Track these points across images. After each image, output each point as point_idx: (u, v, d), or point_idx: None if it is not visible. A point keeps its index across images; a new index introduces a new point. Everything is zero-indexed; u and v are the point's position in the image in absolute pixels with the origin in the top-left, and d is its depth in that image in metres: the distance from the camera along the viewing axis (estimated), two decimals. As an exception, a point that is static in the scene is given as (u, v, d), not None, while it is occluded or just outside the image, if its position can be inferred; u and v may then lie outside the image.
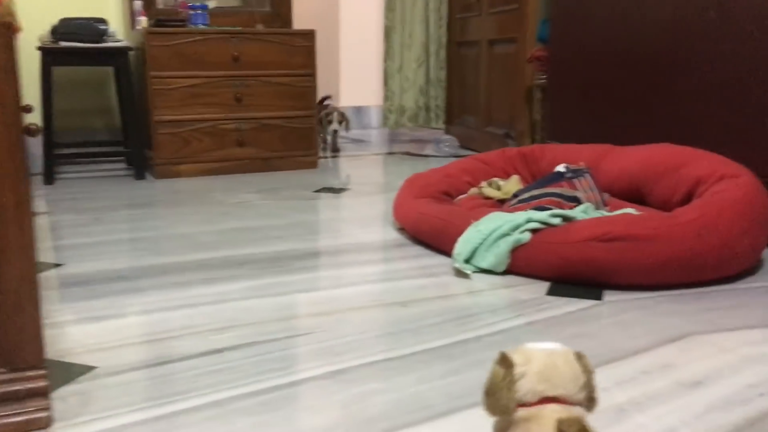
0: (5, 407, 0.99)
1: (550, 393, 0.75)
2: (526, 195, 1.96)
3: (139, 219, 2.39)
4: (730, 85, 2.07)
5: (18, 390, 1.00)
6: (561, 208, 1.85)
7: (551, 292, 1.62)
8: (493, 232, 1.74)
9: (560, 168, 2.03)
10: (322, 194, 2.83)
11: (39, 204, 2.65)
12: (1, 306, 0.97)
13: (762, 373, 1.19)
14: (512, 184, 2.21)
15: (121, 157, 3.70)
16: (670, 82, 2.31)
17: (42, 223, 2.34)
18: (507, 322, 1.43)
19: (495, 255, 1.72)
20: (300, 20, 4.38)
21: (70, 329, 1.41)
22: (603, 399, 1.10)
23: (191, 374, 1.20)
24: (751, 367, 1.21)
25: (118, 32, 3.47)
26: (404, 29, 4.66)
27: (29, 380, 1.00)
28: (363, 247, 2.02)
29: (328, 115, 3.84)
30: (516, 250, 1.71)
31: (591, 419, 0.97)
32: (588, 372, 0.77)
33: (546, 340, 0.81)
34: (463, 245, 1.77)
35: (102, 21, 3.11)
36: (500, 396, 0.75)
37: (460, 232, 1.80)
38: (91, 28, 3.04)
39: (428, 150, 4.05)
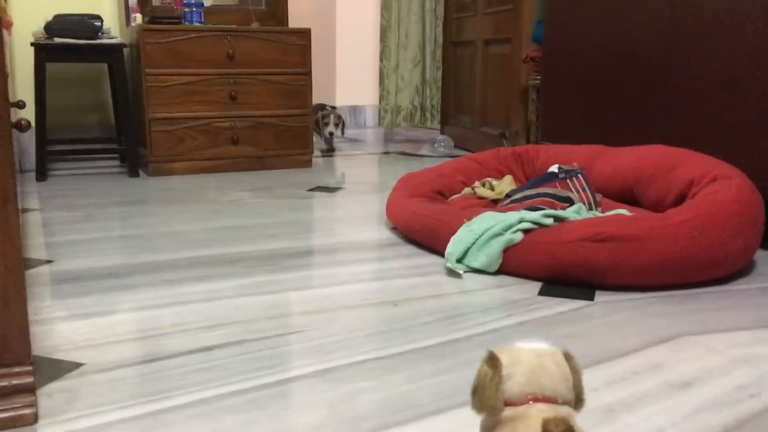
0: (-10, 403, 0.99)
1: (539, 395, 0.74)
2: (519, 195, 1.96)
3: (132, 216, 2.39)
4: (723, 87, 2.07)
5: (4, 386, 0.99)
6: (554, 208, 1.85)
7: (543, 293, 1.62)
8: (485, 231, 1.74)
9: (553, 168, 2.03)
10: (316, 193, 2.82)
11: (31, 201, 2.64)
12: (-14, 301, 0.97)
13: (751, 375, 1.19)
14: (505, 184, 2.21)
15: (115, 155, 3.69)
16: (663, 83, 2.31)
17: (34, 220, 2.33)
18: (498, 322, 1.43)
19: (487, 255, 1.72)
20: (296, 19, 4.38)
21: (59, 326, 1.40)
22: (592, 399, 1.10)
23: (180, 372, 1.19)
24: (741, 369, 1.21)
25: (113, 29, 3.46)
26: (400, 29, 4.66)
27: (15, 376, 0.99)
28: (355, 245, 2.02)
29: (324, 117, 3.84)
30: (508, 250, 1.71)
31: (580, 419, 0.97)
32: (577, 373, 0.77)
33: (536, 340, 0.81)
34: (455, 245, 1.77)
35: (96, 17, 3.10)
36: (487, 395, 0.74)
37: (452, 232, 1.80)
38: (86, 25, 3.04)
39: (423, 150, 4.05)
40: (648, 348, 1.30)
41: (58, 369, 1.20)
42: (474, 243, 1.74)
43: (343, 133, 3.94)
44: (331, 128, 3.81)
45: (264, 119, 3.33)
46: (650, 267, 1.60)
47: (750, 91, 1.98)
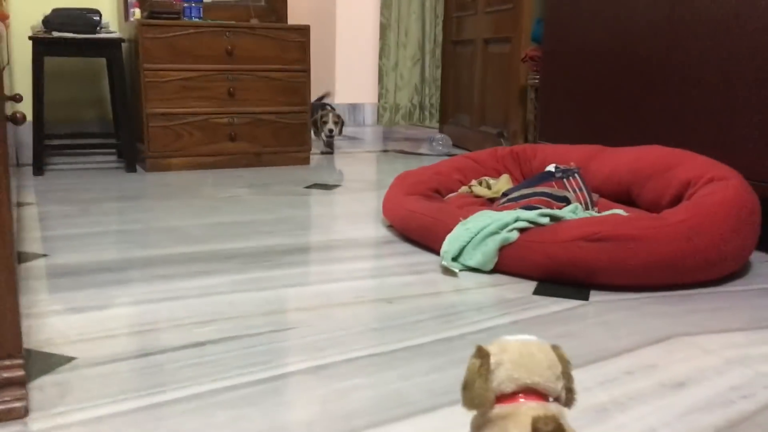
0: (-19, 396, 0.98)
1: (527, 380, 0.74)
2: (515, 194, 1.95)
3: (128, 211, 2.38)
4: (721, 88, 2.07)
5: (-6, 379, 0.99)
6: (550, 207, 1.84)
7: (538, 292, 1.61)
8: (481, 230, 1.73)
9: (550, 168, 2.03)
10: (314, 190, 2.82)
11: (28, 195, 2.64)
12: (-22, 294, 0.96)
13: (745, 376, 1.19)
14: (502, 183, 2.21)
15: (113, 150, 3.69)
16: (662, 84, 2.30)
17: (30, 214, 2.32)
18: (492, 321, 1.43)
19: (483, 253, 1.72)
20: (296, 16, 4.37)
21: (52, 320, 1.40)
22: (585, 398, 1.09)
23: (172, 367, 1.19)
24: (735, 370, 1.21)
25: (112, 23, 3.46)
26: (400, 27, 4.65)
27: (6, 369, 0.99)
28: (351, 243, 2.02)
29: (323, 116, 3.82)
30: (504, 248, 1.71)
31: (572, 418, 0.97)
32: (564, 361, 0.77)
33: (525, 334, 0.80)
34: (450, 243, 1.76)
35: (95, 12, 3.09)
36: (477, 386, 0.74)
37: (448, 230, 1.80)
38: (84, 19, 3.03)
39: (422, 148, 4.05)
40: (642, 348, 1.30)
41: (50, 363, 1.20)
42: (470, 241, 1.74)
43: (340, 132, 3.93)
44: (330, 125, 3.79)
45: (262, 116, 3.33)
46: (646, 267, 1.60)
47: (748, 92, 1.98)
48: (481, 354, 0.76)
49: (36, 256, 1.84)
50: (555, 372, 0.76)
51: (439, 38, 4.61)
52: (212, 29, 3.17)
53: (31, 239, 2.01)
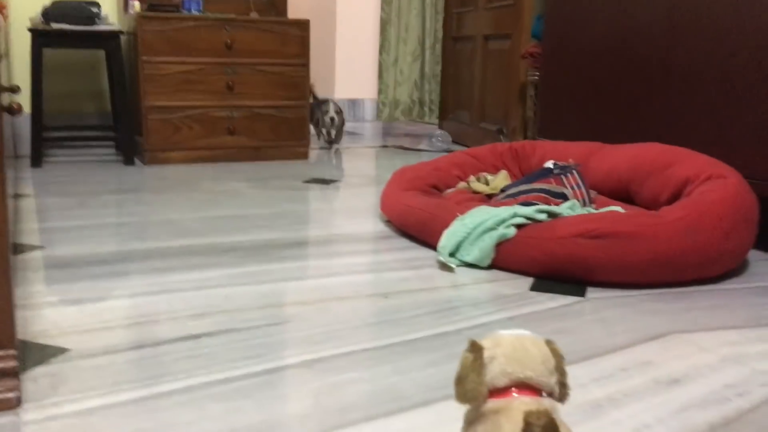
0: (-26, 387, 0.98)
1: (520, 374, 0.74)
2: (513, 190, 1.95)
3: (126, 204, 2.38)
4: (720, 86, 2.06)
5: (-13, 370, 0.98)
6: (548, 204, 1.84)
7: (534, 288, 1.61)
8: (478, 226, 1.73)
9: (548, 164, 2.02)
10: (312, 185, 2.81)
11: (25, 186, 2.63)
12: (-29, 284, 0.96)
13: (740, 374, 1.18)
14: (500, 179, 2.21)
15: (111, 142, 3.68)
16: (661, 81, 2.30)
17: (27, 206, 2.32)
18: (488, 316, 1.43)
19: (480, 249, 1.71)
20: (296, 11, 4.36)
21: (47, 311, 1.39)
22: (580, 394, 1.09)
23: (166, 359, 1.19)
24: (730, 367, 1.21)
25: (111, 15, 3.45)
26: (400, 23, 4.64)
27: (-1, 360, 0.99)
28: (349, 238, 2.01)
29: (324, 104, 3.77)
30: (501, 244, 1.70)
31: (566, 413, 0.96)
32: (557, 356, 0.77)
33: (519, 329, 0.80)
34: (448, 239, 1.76)
35: (94, 4, 3.08)
36: (470, 380, 0.74)
37: (445, 226, 1.80)
38: (83, 11, 3.02)
39: (421, 144, 4.04)
40: (638, 345, 1.30)
41: (43, 354, 1.19)
42: (467, 237, 1.74)
43: (342, 125, 3.86)
44: (332, 114, 3.70)
45: (261, 110, 3.32)
46: (642, 264, 1.59)
47: (748, 91, 1.97)
48: (475, 348, 0.76)
49: (33, 247, 1.84)
50: (548, 366, 0.75)
51: (440, 34, 4.61)
52: (212, 22, 3.16)
53: (28, 231, 2.00)
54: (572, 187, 1.92)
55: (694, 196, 1.75)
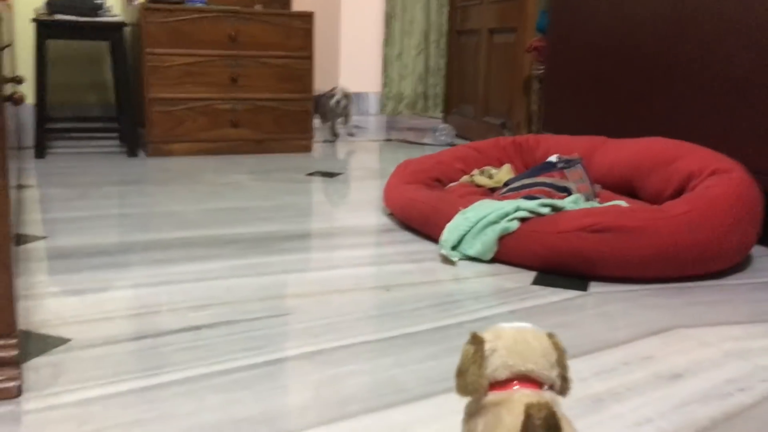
0: (-26, 376, 0.98)
1: (521, 367, 0.73)
2: (517, 184, 1.94)
3: (128, 195, 2.38)
4: (725, 80, 2.05)
5: (-13, 359, 0.98)
6: (551, 197, 1.83)
7: (537, 282, 1.61)
8: (480, 219, 1.72)
9: (552, 158, 2.01)
10: (315, 178, 2.81)
11: (29, 177, 2.63)
12: (-29, 273, 0.96)
13: (742, 369, 1.18)
14: (504, 173, 2.20)
15: (114, 134, 3.68)
16: (666, 76, 2.29)
17: (30, 196, 2.32)
18: (490, 310, 1.42)
19: (482, 243, 1.71)
20: (300, 4, 4.35)
21: (48, 301, 1.39)
22: (581, 388, 1.09)
23: (166, 350, 1.18)
24: (732, 363, 1.20)
25: (115, 7, 3.44)
26: (405, 16, 4.63)
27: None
28: (351, 230, 2.01)
29: (331, 90, 3.71)
30: (503, 238, 1.70)
31: (567, 407, 0.96)
32: (559, 349, 0.76)
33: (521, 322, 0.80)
34: (450, 232, 1.75)
35: (98, -5, 3.08)
36: (471, 372, 0.74)
37: (448, 219, 1.79)
38: (87, 2, 3.02)
39: (425, 138, 4.03)
40: (639, 339, 1.29)
41: (45, 344, 1.19)
42: (469, 230, 1.73)
43: (348, 108, 3.76)
44: (338, 97, 3.64)
45: (264, 102, 3.31)
46: (645, 259, 1.59)
47: (753, 85, 1.96)
48: (476, 341, 0.75)
49: (35, 238, 1.84)
50: (549, 360, 0.75)
51: (444, 28, 4.59)
52: (216, 14, 3.16)
53: (31, 221, 2.00)
54: (576, 181, 1.91)
55: (698, 191, 1.74)
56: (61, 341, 1.21)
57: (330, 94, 3.68)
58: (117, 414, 0.98)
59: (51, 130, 3.15)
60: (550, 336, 0.77)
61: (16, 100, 1.38)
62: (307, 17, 3.33)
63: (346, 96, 3.67)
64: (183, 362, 1.14)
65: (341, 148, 3.64)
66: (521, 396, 0.73)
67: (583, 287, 1.57)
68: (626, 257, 1.59)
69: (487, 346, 0.75)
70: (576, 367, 1.16)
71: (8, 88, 1.76)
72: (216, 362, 1.14)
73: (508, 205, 1.73)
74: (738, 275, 1.70)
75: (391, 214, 2.18)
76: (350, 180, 2.78)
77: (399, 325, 1.33)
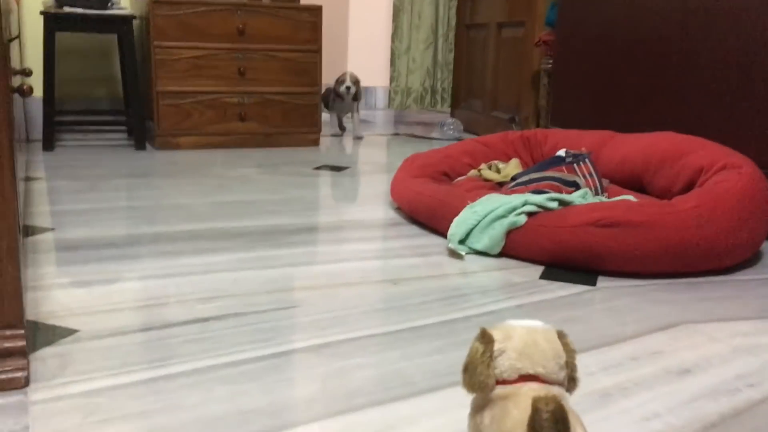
0: (-18, 365, 0.98)
1: (530, 371, 0.73)
2: (524, 178, 1.94)
3: (136, 188, 2.38)
4: (736, 75, 2.04)
5: (-5, 349, 0.99)
6: (559, 192, 1.82)
7: (544, 276, 1.60)
8: (488, 213, 1.72)
9: (560, 152, 2.00)
10: (322, 172, 2.81)
11: (37, 170, 2.64)
12: (-20, 263, 0.96)
13: (752, 365, 1.17)
14: (512, 167, 2.19)
15: (122, 127, 3.68)
16: (675, 70, 2.27)
17: (39, 188, 2.33)
18: (497, 304, 1.42)
19: (490, 237, 1.70)
20: (308, -4, 4.33)
21: (56, 293, 1.40)
22: (589, 383, 1.08)
23: (174, 342, 1.19)
24: (741, 358, 1.19)
25: (123, 0, 3.44)
26: (413, 10, 4.61)
27: (7, 339, 0.99)
28: (358, 224, 2.01)
29: (340, 76, 3.68)
30: (511, 232, 1.69)
31: (574, 402, 0.96)
32: (570, 351, 0.76)
33: (531, 319, 0.79)
34: (458, 226, 1.75)
35: (107, -12, 3.08)
36: (478, 371, 0.73)
37: (455, 213, 1.78)
38: (96, -5, 3.02)
39: (433, 133, 4.02)
40: (648, 334, 1.29)
41: (52, 335, 1.20)
42: (477, 225, 1.73)
43: (358, 98, 3.73)
44: (348, 83, 3.59)
45: (272, 96, 3.31)
46: (654, 254, 1.58)
47: (763, 80, 1.94)
48: (485, 339, 0.74)
49: (44, 229, 1.85)
50: (559, 362, 0.74)
51: (453, 22, 4.57)
52: (224, 7, 3.15)
53: (40, 213, 2.01)
54: (584, 176, 1.90)
55: (708, 186, 1.72)
56: (68, 332, 1.21)
57: (340, 80, 3.66)
58: (124, 405, 0.98)
59: (59, 122, 3.16)
60: (561, 336, 0.76)
61: (24, 92, 1.39)
62: (315, 11, 3.32)
63: (356, 82, 3.64)
64: (190, 354, 1.14)
65: (348, 143, 3.64)
66: (529, 390, 0.72)
67: (592, 282, 1.57)
68: (634, 252, 1.58)
69: (496, 347, 0.74)
70: (584, 362, 1.15)
71: (17, 80, 1.76)
72: (223, 354, 1.15)
73: (516, 199, 1.73)
74: (747, 271, 1.68)
75: (399, 208, 2.18)
76: (358, 174, 2.78)
77: (406, 319, 1.32)
